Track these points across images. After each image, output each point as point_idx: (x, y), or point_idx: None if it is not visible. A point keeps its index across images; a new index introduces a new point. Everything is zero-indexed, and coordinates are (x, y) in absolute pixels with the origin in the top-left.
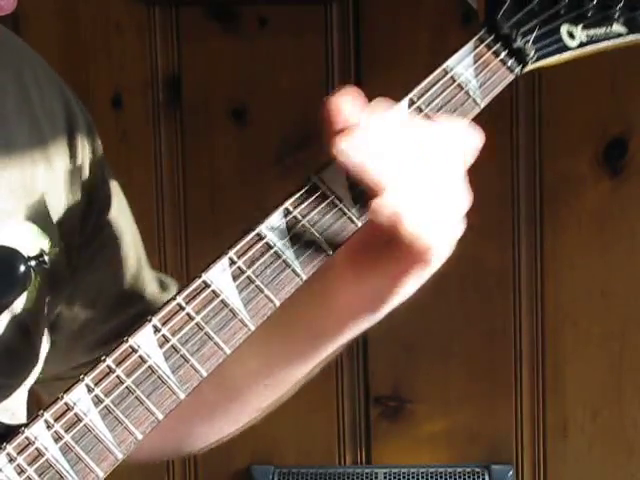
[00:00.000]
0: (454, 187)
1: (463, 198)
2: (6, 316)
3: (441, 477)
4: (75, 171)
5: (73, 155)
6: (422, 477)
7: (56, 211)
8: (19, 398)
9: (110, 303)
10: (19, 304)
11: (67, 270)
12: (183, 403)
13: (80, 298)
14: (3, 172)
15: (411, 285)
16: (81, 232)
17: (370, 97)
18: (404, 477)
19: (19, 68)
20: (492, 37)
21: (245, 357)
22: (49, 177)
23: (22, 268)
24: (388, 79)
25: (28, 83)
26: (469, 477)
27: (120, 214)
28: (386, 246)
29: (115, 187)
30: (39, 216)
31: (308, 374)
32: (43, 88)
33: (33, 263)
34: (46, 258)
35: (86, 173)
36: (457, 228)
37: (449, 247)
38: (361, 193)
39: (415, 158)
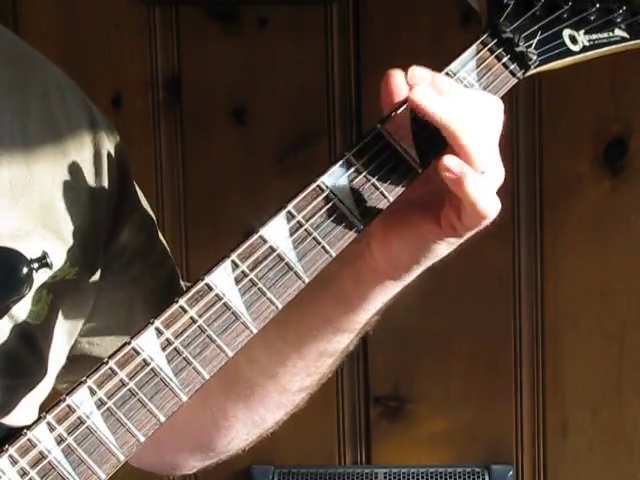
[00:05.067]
0: (498, 158)
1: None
2: (9, 322)
3: (441, 477)
4: (100, 185)
5: (98, 170)
6: (422, 477)
7: (79, 230)
8: (27, 412)
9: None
10: (23, 314)
11: (89, 287)
12: (216, 382)
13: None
14: (23, 193)
15: (441, 252)
16: (110, 244)
17: (370, 97)
18: (404, 477)
19: (45, 89)
20: (495, 41)
21: (277, 336)
22: (72, 195)
23: (25, 270)
24: None
25: (54, 104)
26: (469, 477)
27: (150, 217)
28: (425, 211)
29: (138, 191)
30: (58, 235)
31: (341, 350)
32: (69, 107)
33: (36, 265)
34: (49, 260)
35: (112, 186)
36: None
37: (496, 212)
38: (365, 202)
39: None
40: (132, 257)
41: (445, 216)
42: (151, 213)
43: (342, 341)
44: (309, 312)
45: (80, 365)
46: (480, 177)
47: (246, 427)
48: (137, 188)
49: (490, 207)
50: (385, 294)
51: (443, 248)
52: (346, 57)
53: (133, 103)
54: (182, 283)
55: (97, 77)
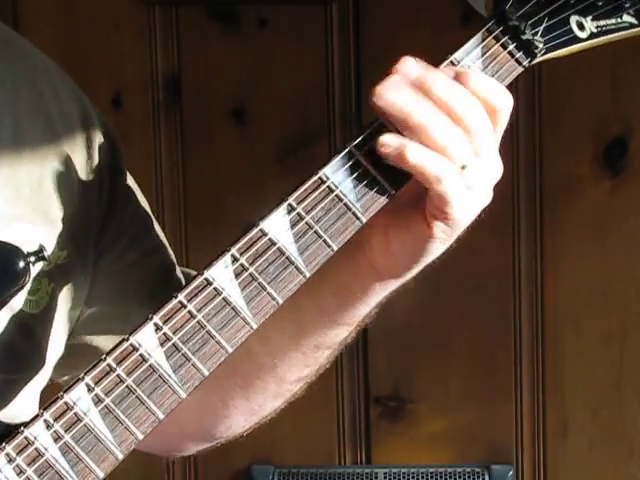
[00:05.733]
0: (491, 154)
1: (498, 166)
2: (7, 314)
3: (441, 477)
4: (92, 172)
5: (90, 156)
6: (422, 477)
7: (68, 214)
8: (26, 403)
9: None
10: (19, 303)
11: (82, 273)
12: (214, 373)
13: (112, 295)
14: (12, 176)
15: (435, 249)
16: (102, 233)
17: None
18: (404, 477)
19: (34, 76)
20: (501, 29)
21: (275, 327)
22: (62, 179)
23: (21, 264)
24: None
25: (44, 89)
26: (469, 477)
27: (145, 208)
28: (416, 209)
29: (133, 183)
30: (47, 219)
31: (339, 342)
32: (60, 94)
33: (32, 259)
34: (46, 254)
35: (104, 173)
36: (486, 197)
37: (473, 214)
38: (366, 194)
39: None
40: (127, 245)
41: (430, 214)
42: (146, 204)
43: (340, 334)
44: (307, 305)
45: (80, 357)
46: (458, 173)
47: (245, 415)
48: (132, 180)
49: (469, 205)
50: (385, 289)
51: (438, 246)
52: (346, 57)
53: (133, 103)
54: (179, 271)
55: (97, 77)
